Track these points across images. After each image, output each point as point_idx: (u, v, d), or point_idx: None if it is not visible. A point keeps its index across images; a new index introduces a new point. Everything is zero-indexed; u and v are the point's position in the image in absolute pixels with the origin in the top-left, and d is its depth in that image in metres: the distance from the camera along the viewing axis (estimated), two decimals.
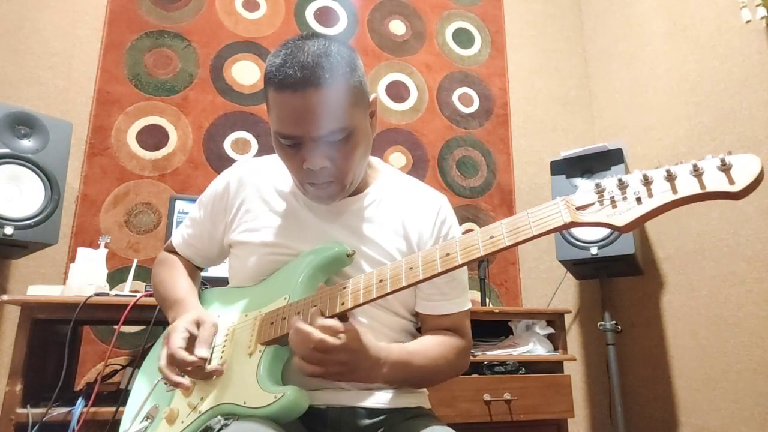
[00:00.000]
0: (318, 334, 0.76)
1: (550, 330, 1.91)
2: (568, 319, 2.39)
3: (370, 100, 0.93)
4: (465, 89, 2.57)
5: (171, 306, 0.99)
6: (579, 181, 2.11)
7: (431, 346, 0.94)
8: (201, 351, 0.86)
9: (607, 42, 2.64)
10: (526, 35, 2.75)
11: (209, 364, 0.88)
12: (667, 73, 2.24)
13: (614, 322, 2.07)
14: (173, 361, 0.85)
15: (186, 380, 0.86)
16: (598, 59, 2.72)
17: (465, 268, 0.95)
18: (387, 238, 0.96)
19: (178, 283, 1.04)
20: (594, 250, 1.98)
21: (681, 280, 2.09)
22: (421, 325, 1.02)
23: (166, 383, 0.93)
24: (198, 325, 0.90)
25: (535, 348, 1.86)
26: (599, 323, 2.11)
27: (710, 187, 0.60)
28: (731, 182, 0.59)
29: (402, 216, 0.99)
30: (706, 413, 1.93)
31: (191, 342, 0.87)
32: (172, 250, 1.14)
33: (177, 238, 1.12)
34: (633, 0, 2.48)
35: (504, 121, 2.60)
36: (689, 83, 2.12)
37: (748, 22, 1.76)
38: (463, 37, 2.64)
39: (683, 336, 2.06)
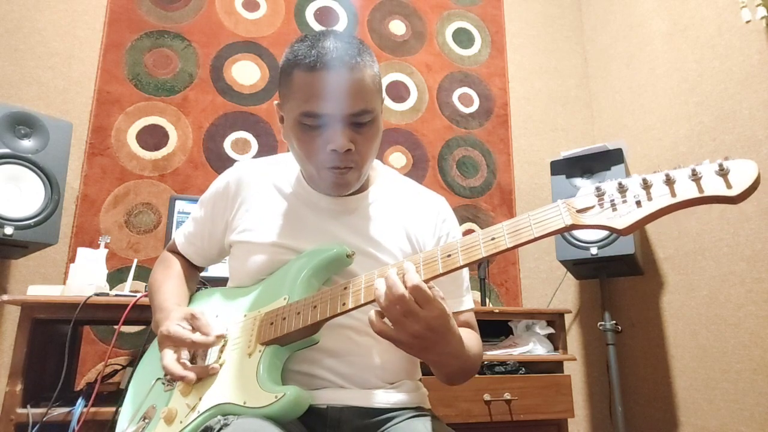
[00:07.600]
0: (406, 292, 0.70)
1: (550, 330, 1.91)
2: (568, 319, 2.40)
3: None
4: (465, 89, 2.57)
5: (157, 309, 0.99)
6: (579, 181, 2.11)
7: (470, 337, 0.93)
8: (215, 331, 0.88)
9: (607, 42, 2.64)
10: (526, 35, 2.75)
11: (207, 364, 0.88)
12: (667, 73, 2.24)
13: (614, 322, 2.08)
14: (192, 346, 0.86)
15: (192, 374, 0.84)
16: (598, 59, 2.72)
17: (467, 270, 0.96)
18: (390, 238, 0.97)
19: (170, 288, 1.03)
20: (594, 250, 1.98)
21: (681, 280, 2.09)
22: None
23: (164, 383, 0.93)
24: (192, 317, 0.89)
25: (535, 348, 1.86)
26: (599, 323, 2.11)
27: (708, 191, 0.61)
28: (729, 186, 0.60)
29: (403, 216, 1.00)
30: (706, 413, 1.93)
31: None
32: (174, 250, 1.14)
33: (179, 237, 1.13)
34: (633, 0, 2.48)
35: (504, 121, 2.60)
36: (689, 83, 2.12)
37: (748, 22, 1.76)
38: (463, 37, 2.64)
39: (683, 336, 2.06)
